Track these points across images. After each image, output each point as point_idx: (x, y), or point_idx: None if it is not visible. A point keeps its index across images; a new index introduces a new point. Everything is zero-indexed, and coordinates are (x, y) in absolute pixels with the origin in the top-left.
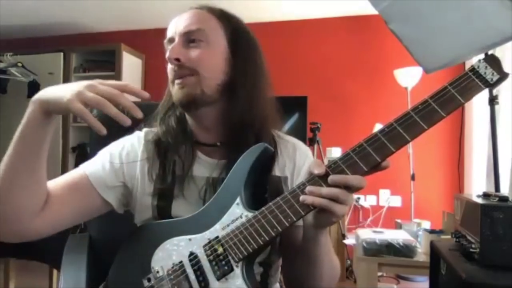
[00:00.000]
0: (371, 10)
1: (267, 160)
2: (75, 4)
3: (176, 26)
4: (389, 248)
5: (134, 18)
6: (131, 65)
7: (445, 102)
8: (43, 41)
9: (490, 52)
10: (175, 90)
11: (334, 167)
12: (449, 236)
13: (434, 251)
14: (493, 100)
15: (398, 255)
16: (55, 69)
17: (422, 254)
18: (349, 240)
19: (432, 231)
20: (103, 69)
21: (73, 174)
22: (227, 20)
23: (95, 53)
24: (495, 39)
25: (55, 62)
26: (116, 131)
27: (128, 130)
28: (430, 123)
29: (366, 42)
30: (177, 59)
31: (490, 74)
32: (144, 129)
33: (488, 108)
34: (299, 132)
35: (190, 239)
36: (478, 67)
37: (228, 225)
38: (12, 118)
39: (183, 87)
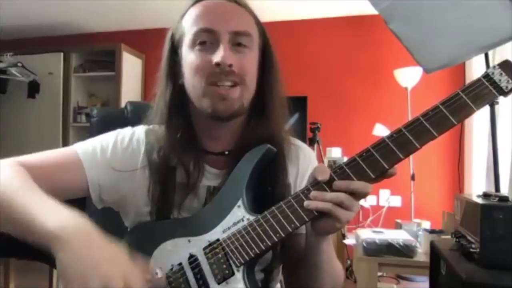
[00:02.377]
0: (371, 10)
1: (270, 161)
2: (75, 4)
3: (219, 19)
4: (389, 248)
5: (134, 18)
6: (131, 65)
7: (456, 109)
8: (43, 41)
9: (506, 59)
10: (212, 98)
11: (340, 172)
12: (449, 236)
13: (434, 251)
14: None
15: (398, 255)
16: (55, 69)
17: (422, 254)
18: (349, 240)
19: (432, 231)
20: (103, 69)
21: (66, 154)
22: (261, 27)
23: (95, 53)
24: (495, 39)
25: (55, 62)
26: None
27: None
28: (441, 130)
29: (366, 42)
30: (230, 65)
31: (505, 81)
32: (145, 128)
33: (488, 108)
34: (299, 132)
35: (189, 241)
36: (493, 73)
37: (229, 228)
38: (12, 118)
39: (225, 99)
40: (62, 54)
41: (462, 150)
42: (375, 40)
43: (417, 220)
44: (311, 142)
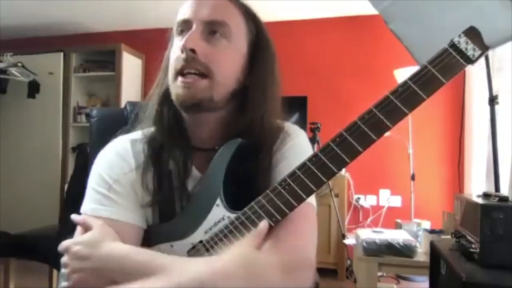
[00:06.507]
0: (370, 10)
1: (246, 154)
2: (75, 4)
3: (195, 9)
4: (389, 248)
5: (134, 18)
6: (131, 65)
7: (425, 83)
8: (43, 41)
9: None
10: (177, 86)
11: (315, 160)
12: (449, 236)
13: (434, 251)
14: (493, 100)
15: (398, 255)
16: (55, 69)
17: (422, 254)
18: (349, 240)
19: (432, 231)
20: (103, 69)
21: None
22: (252, 19)
23: (95, 53)
24: (495, 39)
25: (55, 62)
26: (115, 131)
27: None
28: (411, 106)
29: (366, 42)
30: (193, 50)
31: (471, 50)
32: (130, 139)
33: (488, 108)
34: None
35: (172, 246)
36: (459, 42)
37: (210, 229)
38: (12, 118)
39: (188, 87)
40: (62, 54)
41: (462, 150)
42: (375, 40)
43: (417, 220)
44: (311, 142)
